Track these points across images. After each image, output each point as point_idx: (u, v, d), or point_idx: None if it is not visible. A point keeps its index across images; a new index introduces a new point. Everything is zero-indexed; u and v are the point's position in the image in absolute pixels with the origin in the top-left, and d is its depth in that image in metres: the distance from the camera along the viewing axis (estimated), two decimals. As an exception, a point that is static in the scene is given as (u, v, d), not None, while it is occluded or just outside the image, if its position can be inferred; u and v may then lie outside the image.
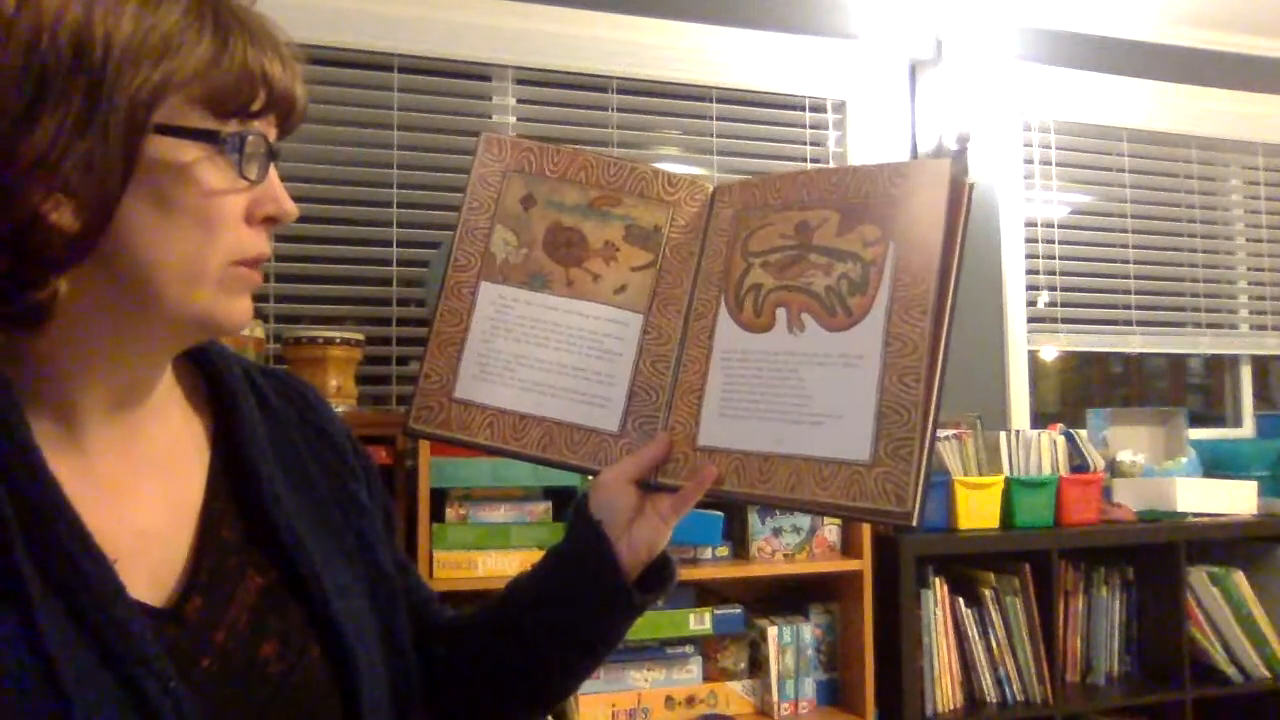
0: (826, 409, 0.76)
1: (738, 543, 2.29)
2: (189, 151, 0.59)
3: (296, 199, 0.67)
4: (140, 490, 0.65)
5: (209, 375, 0.73)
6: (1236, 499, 2.67)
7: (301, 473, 0.73)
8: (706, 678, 2.24)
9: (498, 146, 0.88)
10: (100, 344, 0.62)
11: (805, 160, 2.81)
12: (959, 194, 0.75)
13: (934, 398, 0.72)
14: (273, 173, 0.64)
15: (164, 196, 0.59)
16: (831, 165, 2.80)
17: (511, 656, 0.83)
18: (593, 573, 0.79)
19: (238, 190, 0.62)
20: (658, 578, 0.83)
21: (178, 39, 0.58)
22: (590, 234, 0.86)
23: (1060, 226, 3.04)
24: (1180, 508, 2.61)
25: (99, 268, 0.58)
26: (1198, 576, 2.61)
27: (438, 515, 2.03)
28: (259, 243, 0.64)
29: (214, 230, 0.61)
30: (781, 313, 0.80)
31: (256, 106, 0.61)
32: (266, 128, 0.63)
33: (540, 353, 0.84)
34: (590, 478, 0.83)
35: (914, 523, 0.71)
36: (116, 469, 0.64)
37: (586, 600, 0.80)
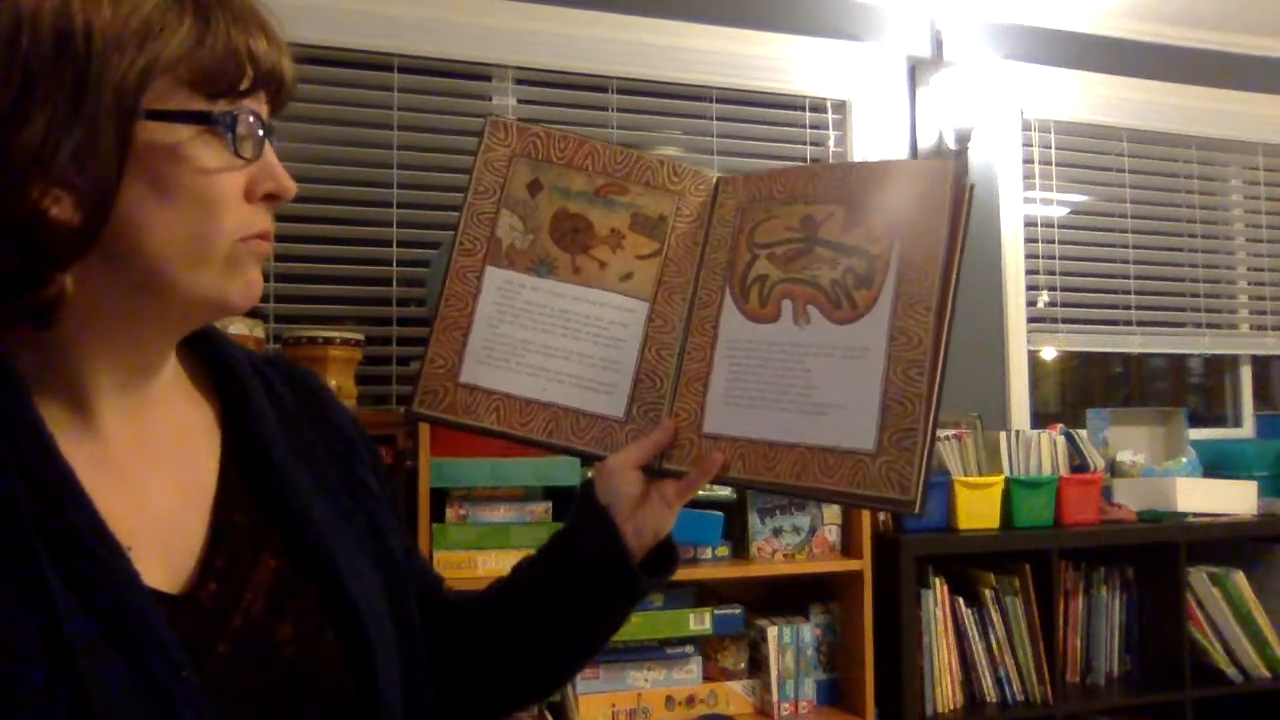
0: (831, 399, 0.76)
1: (738, 543, 2.29)
2: (181, 133, 0.59)
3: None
4: (152, 477, 0.65)
5: (214, 363, 0.73)
6: (1236, 499, 2.67)
7: (310, 458, 0.73)
8: (706, 678, 2.23)
9: (504, 130, 0.88)
10: (109, 331, 0.62)
11: (805, 160, 2.81)
12: (961, 194, 0.76)
13: (936, 391, 0.74)
14: (269, 150, 0.64)
15: (161, 180, 0.59)
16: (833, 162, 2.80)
17: (516, 638, 0.83)
18: (599, 556, 0.80)
19: (234, 168, 0.62)
20: (661, 562, 0.83)
21: (159, 22, 0.58)
22: (596, 221, 0.86)
23: (1060, 226, 3.05)
24: (1180, 508, 2.61)
25: (104, 258, 0.58)
26: (1198, 576, 2.61)
27: (438, 515, 2.02)
28: (263, 220, 0.64)
29: (214, 210, 0.61)
30: (787, 304, 0.80)
31: (245, 85, 0.61)
32: (258, 106, 0.63)
33: (546, 338, 0.84)
34: (595, 463, 0.83)
35: (917, 510, 0.73)
36: (129, 455, 0.64)
37: (592, 583, 0.80)
